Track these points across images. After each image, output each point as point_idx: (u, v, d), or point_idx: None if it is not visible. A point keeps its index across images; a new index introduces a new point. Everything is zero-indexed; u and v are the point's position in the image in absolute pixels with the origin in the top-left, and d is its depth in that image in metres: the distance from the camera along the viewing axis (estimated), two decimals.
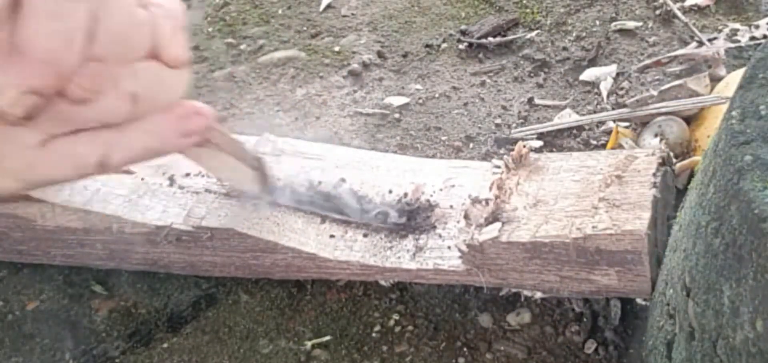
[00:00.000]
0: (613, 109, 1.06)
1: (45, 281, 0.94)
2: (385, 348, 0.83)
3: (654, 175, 0.77)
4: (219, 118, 0.45)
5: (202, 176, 0.88)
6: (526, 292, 0.80)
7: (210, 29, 1.32)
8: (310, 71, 1.22)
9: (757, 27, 1.14)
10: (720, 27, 1.16)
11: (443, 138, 1.07)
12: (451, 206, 0.83)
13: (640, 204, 0.74)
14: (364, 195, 0.86)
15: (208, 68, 1.24)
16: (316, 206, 0.85)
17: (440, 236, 0.81)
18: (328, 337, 0.85)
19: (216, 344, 0.86)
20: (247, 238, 0.83)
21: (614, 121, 1.02)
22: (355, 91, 1.17)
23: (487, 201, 0.80)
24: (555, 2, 1.28)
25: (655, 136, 0.96)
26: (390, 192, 0.86)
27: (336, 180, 0.87)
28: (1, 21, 0.32)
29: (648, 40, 1.18)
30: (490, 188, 0.82)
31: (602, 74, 1.13)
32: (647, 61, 1.13)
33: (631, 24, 1.20)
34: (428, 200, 0.84)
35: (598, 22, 1.22)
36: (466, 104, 1.12)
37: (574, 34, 1.21)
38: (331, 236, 0.83)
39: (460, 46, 1.23)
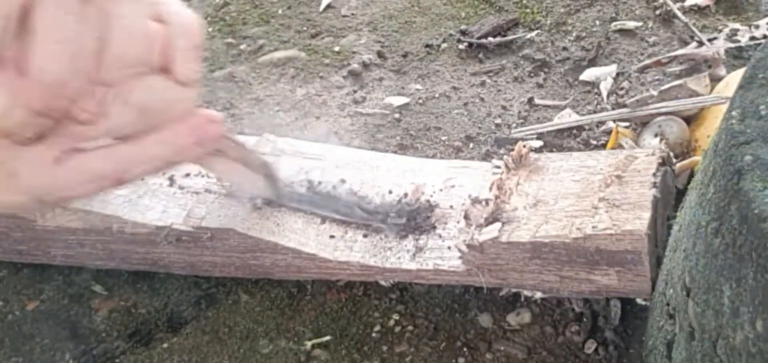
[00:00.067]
0: (613, 109, 1.06)
1: (45, 281, 0.94)
2: (385, 348, 0.83)
3: (654, 175, 0.77)
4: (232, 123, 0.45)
5: (202, 176, 0.88)
6: (526, 292, 0.80)
7: (210, 29, 1.32)
8: (310, 71, 1.22)
9: (757, 27, 1.14)
10: (720, 27, 1.16)
11: (443, 138, 1.07)
12: (451, 206, 0.83)
13: (640, 204, 0.74)
14: (364, 195, 0.86)
15: (208, 68, 1.24)
16: (321, 208, 0.85)
17: (440, 236, 0.81)
18: (328, 337, 0.85)
19: (216, 344, 0.86)
20: (247, 239, 0.83)
21: (614, 121, 1.02)
22: (355, 91, 1.17)
23: (487, 201, 0.80)
24: (555, 2, 1.28)
25: (655, 136, 0.96)
26: (390, 192, 0.86)
27: (336, 180, 0.87)
28: (7, 41, 0.32)
29: (648, 40, 1.18)
30: (490, 188, 0.82)
31: (602, 74, 1.13)
32: (647, 61, 1.13)
33: (631, 24, 1.20)
34: (428, 200, 0.84)
35: (598, 22, 1.22)
36: (466, 104, 1.12)
37: (574, 34, 1.21)
38: (331, 236, 0.83)
39: (460, 46, 1.23)
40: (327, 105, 1.15)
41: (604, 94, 1.10)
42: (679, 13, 1.19)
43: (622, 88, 1.10)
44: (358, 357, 0.83)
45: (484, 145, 1.05)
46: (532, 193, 0.80)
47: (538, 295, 0.79)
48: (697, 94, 1.00)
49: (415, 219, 0.83)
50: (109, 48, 0.35)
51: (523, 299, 0.83)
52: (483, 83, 1.16)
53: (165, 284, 0.92)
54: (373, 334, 0.85)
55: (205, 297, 0.91)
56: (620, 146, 0.97)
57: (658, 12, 1.21)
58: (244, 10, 1.37)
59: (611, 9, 1.24)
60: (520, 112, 1.09)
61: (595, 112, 1.07)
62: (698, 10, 1.20)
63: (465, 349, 0.82)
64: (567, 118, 1.06)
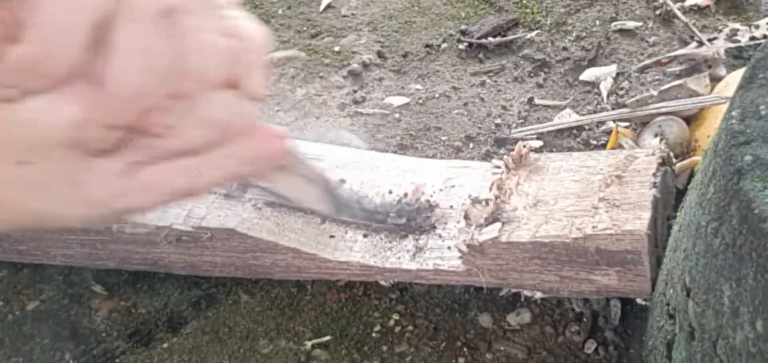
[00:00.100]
0: (613, 109, 1.06)
1: (45, 281, 0.94)
2: (385, 348, 0.83)
3: (654, 175, 0.77)
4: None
5: None
6: (526, 292, 0.80)
7: None
8: (310, 71, 1.22)
9: (757, 27, 1.14)
10: (720, 27, 1.16)
11: (443, 138, 1.07)
12: (451, 206, 0.83)
13: (640, 204, 0.74)
14: (364, 195, 0.86)
15: None
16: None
17: (440, 236, 0.81)
18: (328, 337, 0.85)
19: (216, 344, 0.86)
20: (247, 238, 0.83)
21: (614, 121, 1.02)
22: (355, 91, 1.17)
23: (487, 201, 0.80)
24: (555, 2, 1.28)
25: (655, 136, 0.96)
26: (390, 192, 0.86)
27: (337, 180, 0.87)
28: (85, 55, 0.32)
29: (648, 40, 1.18)
30: (490, 188, 0.82)
31: (602, 74, 1.13)
32: (647, 61, 1.13)
33: (631, 24, 1.20)
34: (428, 200, 0.84)
35: (598, 22, 1.22)
36: (466, 104, 1.12)
37: (574, 34, 1.21)
38: (331, 236, 0.83)
39: (460, 46, 1.23)
40: (327, 105, 1.15)
41: (604, 94, 1.10)
42: (679, 13, 1.19)
43: (622, 88, 1.10)
44: (358, 357, 0.83)
45: (484, 145, 1.05)
46: (532, 193, 0.80)
47: (538, 295, 0.79)
48: (697, 94, 1.00)
49: (415, 219, 0.83)
50: (185, 62, 0.35)
51: (523, 299, 0.83)
52: (483, 83, 1.16)
53: (165, 284, 0.92)
54: (373, 334, 0.85)
55: (205, 297, 0.91)
56: (620, 146, 0.97)
57: (658, 12, 1.21)
58: (244, 10, 1.37)
59: (611, 9, 1.24)
60: (520, 112, 1.09)
61: (595, 112, 1.07)
62: (698, 10, 1.20)
63: (465, 349, 0.82)
64: (567, 118, 1.06)
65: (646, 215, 0.73)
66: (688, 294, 0.60)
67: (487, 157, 1.02)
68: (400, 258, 0.80)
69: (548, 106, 1.10)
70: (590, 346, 0.80)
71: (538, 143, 1.03)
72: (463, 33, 1.24)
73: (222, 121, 0.38)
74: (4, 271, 0.96)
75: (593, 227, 0.73)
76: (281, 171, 0.57)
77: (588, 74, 1.14)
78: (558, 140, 1.04)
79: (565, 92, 1.12)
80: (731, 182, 0.52)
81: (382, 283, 0.85)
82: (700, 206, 0.58)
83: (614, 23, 1.21)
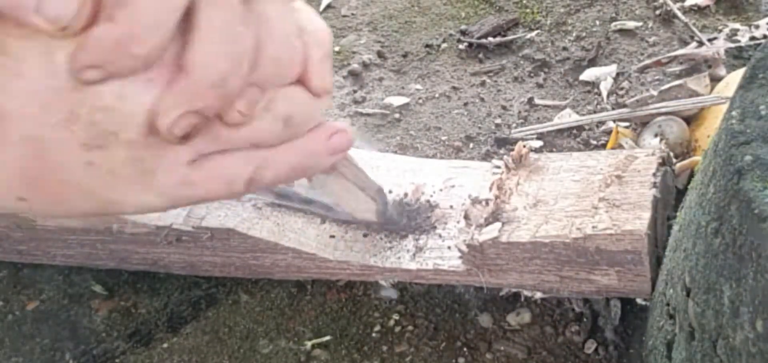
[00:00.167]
0: (613, 109, 1.06)
1: (45, 281, 0.94)
2: (385, 348, 0.83)
3: (654, 175, 0.77)
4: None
5: None
6: (526, 292, 0.80)
7: None
8: None
9: (757, 27, 1.14)
10: (720, 27, 1.16)
11: (443, 138, 1.07)
12: (451, 206, 0.83)
13: (640, 204, 0.74)
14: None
15: None
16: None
17: (440, 236, 0.81)
18: (328, 337, 0.85)
19: (216, 344, 0.86)
20: (247, 238, 0.83)
21: (614, 121, 1.02)
22: (355, 91, 1.17)
23: (487, 201, 0.80)
24: (555, 2, 1.28)
25: (655, 136, 0.96)
26: (390, 192, 0.86)
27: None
28: (169, 40, 0.32)
29: (648, 40, 1.18)
30: (490, 188, 0.82)
31: (602, 74, 1.13)
32: (647, 61, 1.13)
33: (631, 24, 1.20)
34: (428, 200, 0.84)
35: (598, 22, 1.22)
36: (466, 104, 1.12)
37: (574, 34, 1.21)
38: (331, 236, 0.83)
39: (460, 46, 1.23)
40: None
41: (604, 94, 1.10)
42: (679, 13, 1.19)
43: (622, 88, 1.10)
44: (358, 357, 0.83)
45: (484, 145, 1.05)
46: (532, 193, 0.80)
47: (538, 295, 0.79)
48: (697, 94, 1.00)
49: (415, 219, 0.83)
50: (264, 49, 0.35)
51: (523, 299, 0.83)
52: (483, 83, 1.16)
53: (165, 284, 0.92)
54: (373, 334, 0.85)
55: (205, 297, 0.91)
56: (620, 146, 0.97)
57: (658, 12, 1.21)
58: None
59: (611, 9, 1.24)
60: (520, 112, 1.09)
61: (595, 112, 1.07)
62: (698, 10, 1.20)
63: (465, 349, 0.82)
64: (567, 118, 1.06)
65: (646, 215, 0.73)
66: (688, 294, 0.60)
67: (487, 157, 1.02)
68: (400, 258, 0.80)
69: (548, 106, 1.10)
70: (590, 346, 0.80)
71: (538, 143, 1.03)
72: (463, 33, 1.24)
73: (294, 117, 0.39)
74: (4, 271, 0.96)
75: (593, 227, 0.73)
76: (337, 175, 0.57)
77: (588, 74, 1.14)
78: (558, 140, 1.04)
79: (565, 92, 1.12)
80: (731, 182, 0.52)
81: (382, 282, 0.85)
82: (700, 206, 0.58)
83: (614, 23, 1.21)
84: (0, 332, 0.90)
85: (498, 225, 0.77)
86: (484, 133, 1.07)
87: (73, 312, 0.91)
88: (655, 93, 1.02)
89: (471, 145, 1.06)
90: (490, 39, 1.22)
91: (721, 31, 1.15)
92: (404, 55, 1.23)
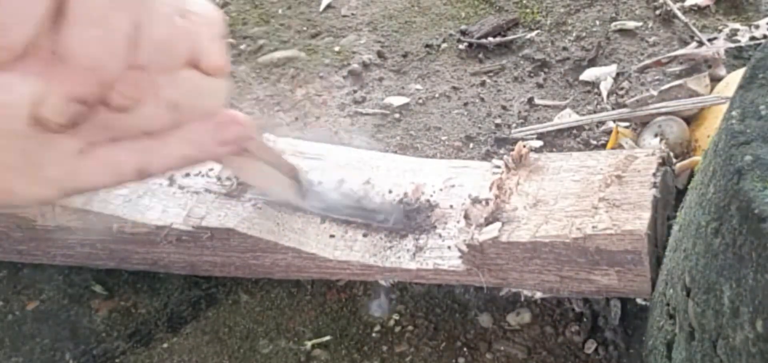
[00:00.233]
0: (613, 109, 1.06)
1: (45, 281, 0.94)
2: (385, 348, 0.83)
3: (654, 175, 0.77)
4: (256, 126, 0.45)
5: (202, 176, 0.88)
6: (526, 292, 0.80)
7: None
8: (310, 71, 1.22)
9: (757, 27, 1.14)
10: (720, 27, 1.16)
11: (443, 138, 1.07)
12: (451, 206, 0.83)
13: (640, 204, 0.74)
14: (364, 195, 0.86)
15: None
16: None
17: (440, 236, 0.81)
18: (328, 337, 0.85)
19: (216, 344, 0.86)
20: (247, 238, 0.83)
21: (614, 121, 1.02)
22: (355, 91, 1.17)
23: (487, 201, 0.80)
24: (555, 2, 1.28)
25: (655, 136, 0.96)
26: (390, 192, 0.86)
27: (337, 180, 0.87)
28: (43, 28, 0.33)
29: (648, 40, 1.18)
30: (490, 188, 0.82)
31: (602, 74, 1.13)
32: (647, 61, 1.13)
33: (631, 24, 1.20)
34: (428, 200, 0.84)
35: (598, 22, 1.22)
36: (466, 104, 1.12)
37: (574, 34, 1.21)
38: (331, 236, 0.83)
39: (460, 46, 1.23)
40: (327, 105, 1.15)
41: (604, 94, 1.10)
42: (679, 13, 1.19)
43: (622, 88, 1.10)
44: (358, 357, 0.83)
45: (484, 145, 1.05)
46: (532, 193, 0.80)
47: (538, 295, 0.79)
48: (697, 94, 1.00)
49: (415, 219, 0.83)
50: (145, 33, 0.35)
51: (523, 299, 0.83)
52: (483, 83, 1.16)
53: (165, 284, 0.92)
54: (373, 334, 0.85)
55: (205, 297, 0.91)
56: (620, 146, 0.97)
57: (658, 12, 1.21)
58: (244, 10, 1.37)
59: (611, 9, 1.24)
60: (520, 112, 1.09)
61: (595, 112, 1.07)
62: (698, 10, 1.20)
63: (465, 349, 0.82)
64: (567, 118, 1.06)
65: (646, 215, 0.73)
66: (688, 294, 0.60)
67: (487, 157, 1.02)
68: (400, 258, 0.80)
69: (548, 106, 1.10)
70: (590, 346, 0.80)
71: (538, 143, 1.03)
72: (463, 33, 1.24)
73: (184, 102, 0.39)
74: (4, 271, 0.96)
75: (593, 227, 0.73)
76: (246, 158, 0.57)
77: (588, 74, 1.14)
78: (558, 140, 1.04)
79: (565, 92, 1.12)
80: (731, 182, 0.52)
81: (382, 282, 0.85)
82: (700, 206, 0.58)
83: (614, 23, 1.21)
84: (0, 332, 0.90)
85: (498, 225, 0.77)
86: (484, 133, 1.07)
87: (73, 312, 0.91)
88: (655, 93, 1.02)
89: (471, 145, 1.06)
90: (490, 39, 1.22)
91: (721, 31, 1.15)
92: (404, 55, 1.23)
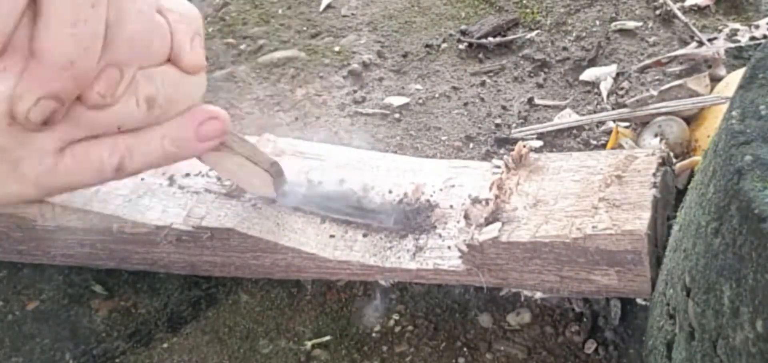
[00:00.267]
0: (613, 109, 1.06)
1: (45, 281, 0.94)
2: (385, 348, 0.83)
3: (654, 175, 0.77)
4: (232, 122, 0.45)
5: (202, 176, 0.88)
6: (526, 292, 0.80)
7: (210, 29, 1.32)
8: (310, 71, 1.22)
9: (757, 27, 1.14)
10: (720, 27, 1.16)
11: (443, 138, 1.07)
12: (451, 206, 0.83)
13: (640, 204, 0.74)
14: (363, 195, 0.86)
15: (208, 68, 1.24)
16: (327, 209, 0.84)
17: (440, 236, 0.81)
18: (328, 337, 0.85)
19: (216, 344, 0.86)
20: (247, 238, 0.83)
21: (614, 121, 1.02)
22: (355, 91, 1.17)
23: (487, 201, 0.80)
24: (555, 2, 1.28)
25: (655, 136, 0.96)
26: (390, 192, 0.86)
27: (336, 180, 0.87)
28: (18, 27, 0.33)
29: (648, 40, 1.18)
30: (490, 188, 0.82)
31: (602, 74, 1.13)
32: (647, 61, 1.13)
33: (631, 24, 1.20)
34: (428, 200, 0.84)
35: (598, 22, 1.22)
36: (466, 104, 1.12)
37: (574, 34, 1.21)
38: (331, 236, 0.83)
39: (460, 46, 1.23)
40: (327, 105, 1.15)
41: (604, 94, 1.10)
42: (679, 13, 1.19)
43: (622, 88, 1.10)
44: (358, 357, 0.83)
45: (484, 145, 1.05)
46: (532, 193, 0.80)
47: (538, 295, 0.79)
48: (697, 94, 1.00)
49: (415, 219, 0.83)
50: (119, 30, 0.35)
51: (523, 299, 0.83)
52: (483, 83, 1.16)
53: (165, 284, 0.92)
54: (373, 334, 0.85)
55: (205, 297, 0.91)
56: (620, 146, 0.97)
57: (658, 12, 1.21)
58: (244, 10, 1.37)
59: (611, 9, 1.24)
60: (520, 112, 1.09)
61: (595, 112, 1.07)
62: (698, 10, 1.20)
63: (465, 349, 0.82)
64: (567, 118, 1.06)
65: (646, 215, 0.73)
66: (688, 294, 0.60)
67: (487, 157, 1.02)
68: (400, 258, 0.80)
69: (548, 106, 1.10)
70: (590, 346, 0.80)
71: (538, 143, 1.03)
72: (463, 33, 1.24)
73: (160, 99, 0.39)
74: (4, 271, 0.96)
75: (593, 227, 0.73)
76: (224, 153, 0.57)
77: (588, 74, 1.14)
78: (558, 140, 1.04)
79: (565, 92, 1.12)
80: (731, 182, 0.52)
81: (382, 282, 0.85)
82: (700, 206, 0.58)
83: (614, 23, 1.21)
84: (0, 332, 0.90)
85: (498, 225, 0.77)
86: (484, 133, 1.07)
87: (73, 312, 0.91)
88: (655, 93, 1.02)
89: (471, 145, 1.06)
90: (490, 39, 1.22)
91: (721, 31, 1.15)
92: (404, 55, 1.23)
